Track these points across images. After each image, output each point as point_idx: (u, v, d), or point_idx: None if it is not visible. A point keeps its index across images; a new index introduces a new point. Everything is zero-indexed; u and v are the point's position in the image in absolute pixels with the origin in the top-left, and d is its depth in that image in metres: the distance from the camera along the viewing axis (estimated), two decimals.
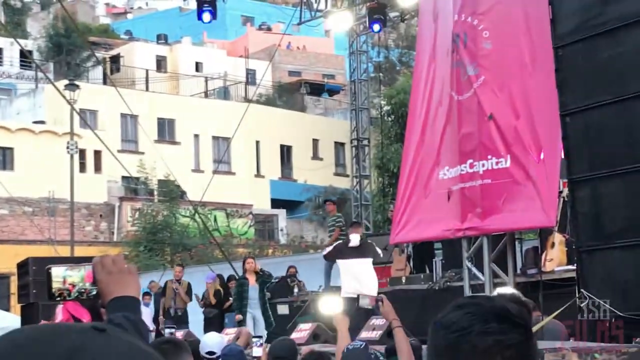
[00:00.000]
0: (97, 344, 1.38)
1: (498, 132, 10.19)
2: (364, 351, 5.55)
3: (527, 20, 10.06)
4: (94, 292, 2.62)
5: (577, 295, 9.23)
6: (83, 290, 2.65)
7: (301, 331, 14.55)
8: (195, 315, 20.04)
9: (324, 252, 15.66)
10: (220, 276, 20.52)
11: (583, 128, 9.39)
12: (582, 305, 9.08)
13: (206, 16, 22.12)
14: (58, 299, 2.73)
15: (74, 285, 2.65)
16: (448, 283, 14.28)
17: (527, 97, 10.03)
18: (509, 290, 5.62)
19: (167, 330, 15.16)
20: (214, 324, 18.66)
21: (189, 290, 20.10)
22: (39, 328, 1.45)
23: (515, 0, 10.27)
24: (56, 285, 2.67)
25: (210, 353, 7.67)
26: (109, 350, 1.38)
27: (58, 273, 2.67)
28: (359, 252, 14.25)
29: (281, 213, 43.92)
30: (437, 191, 10.95)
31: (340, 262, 14.45)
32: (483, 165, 10.32)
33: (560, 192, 11.29)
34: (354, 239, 14.32)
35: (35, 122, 39.42)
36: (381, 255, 15.11)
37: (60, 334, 1.40)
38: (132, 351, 1.40)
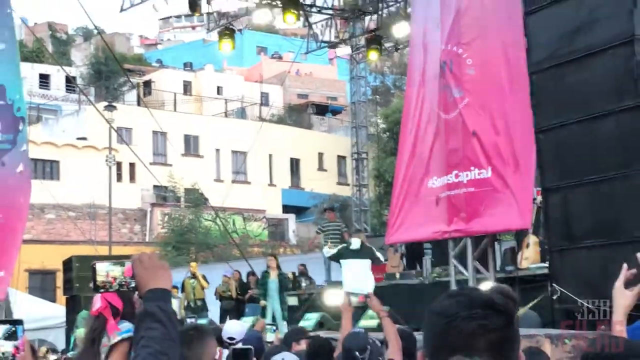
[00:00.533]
0: None
1: (480, 146, 10.15)
2: (364, 335, 5.52)
3: (505, 49, 10.03)
4: (133, 284, 2.65)
5: (549, 289, 9.20)
6: (123, 283, 2.69)
7: (308, 320, 14.54)
8: (211, 306, 19.97)
9: (328, 254, 15.61)
10: (238, 272, 20.47)
11: (554, 144, 9.36)
12: (554, 297, 9.05)
13: (226, 47, 22.15)
14: (102, 290, 2.76)
15: (115, 279, 2.69)
16: (437, 278, 14.24)
17: (505, 116, 9.99)
18: (500, 286, 5.59)
19: (188, 320, 15.06)
20: (230, 314, 18.59)
21: (203, 279, 19.90)
22: None
23: (495, 32, 10.23)
24: (100, 278, 2.70)
25: (231, 338, 7.58)
26: None
27: (102, 268, 2.71)
28: (359, 254, 14.25)
29: (291, 217, 43.90)
30: (427, 198, 10.90)
31: (342, 262, 14.42)
32: (467, 176, 10.27)
33: (534, 199, 11.25)
34: (355, 243, 14.33)
35: (78, 139, 39.44)
36: (382, 259, 15.06)
37: None
38: None
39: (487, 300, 1.96)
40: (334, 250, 15.25)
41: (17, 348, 2.94)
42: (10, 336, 2.96)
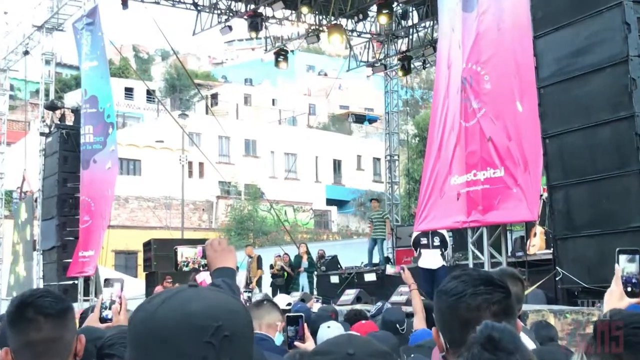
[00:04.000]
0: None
1: (495, 150, 10.08)
2: (401, 310, 5.54)
3: (517, 67, 9.95)
4: (203, 263, 2.71)
5: (553, 271, 9.13)
6: (196, 262, 2.75)
7: (347, 295, 14.54)
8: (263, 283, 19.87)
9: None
10: (287, 255, 20.31)
11: (558, 147, 9.28)
12: (557, 278, 8.97)
13: (281, 65, 22.26)
14: (177, 268, 2.83)
15: (189, 259, 2.76)
16: (457, 262, 14.17)
17: (516, 124, 9.92)
18: (505, 267, 5.55)
19: (245, 295, 14.97)
20: (280, 288, 18.59)
21: (259, 262, 19.26)
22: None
23: (508, 52, 10.16)
24: (179, 259, 2.79)
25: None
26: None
27: (181, 251, 2.79)
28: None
29: (333, 209, 43.97)
30: (450, 193, 10.84)
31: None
32: (483, 175, 10.21)
33: (541, 195, 11.16)
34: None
35: (156, 141, 39.89)
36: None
37: None
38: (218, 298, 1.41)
39: (487, 278, 1.98)
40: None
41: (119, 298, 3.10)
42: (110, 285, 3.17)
